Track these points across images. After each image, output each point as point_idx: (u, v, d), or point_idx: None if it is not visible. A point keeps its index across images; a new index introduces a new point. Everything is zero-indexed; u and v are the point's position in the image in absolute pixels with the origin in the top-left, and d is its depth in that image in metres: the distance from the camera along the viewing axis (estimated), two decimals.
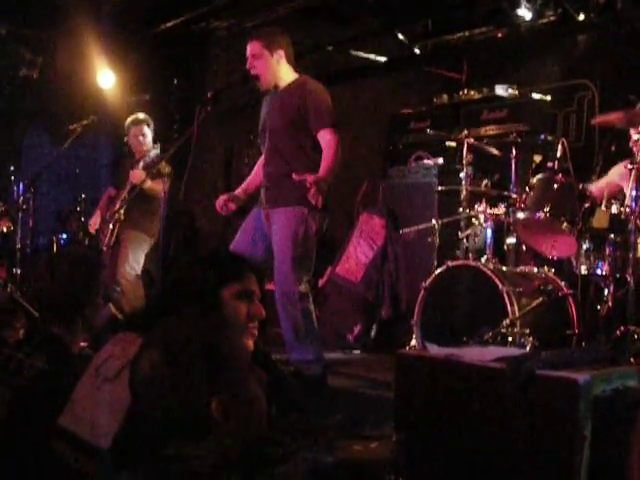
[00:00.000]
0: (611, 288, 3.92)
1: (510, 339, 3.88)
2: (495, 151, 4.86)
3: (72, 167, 8.09)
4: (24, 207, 6.20)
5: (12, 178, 6.68)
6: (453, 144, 5.64)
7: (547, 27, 6.12)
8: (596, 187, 4.36)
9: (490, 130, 5.59)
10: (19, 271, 6.00)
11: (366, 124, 7.23)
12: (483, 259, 4.48)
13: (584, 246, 4.00)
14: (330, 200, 4.25)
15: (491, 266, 4.30)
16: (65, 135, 6.14)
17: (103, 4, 7.66)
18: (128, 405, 1.72)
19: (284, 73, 4.36)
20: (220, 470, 1.56)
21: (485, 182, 4.89)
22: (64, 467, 1.85)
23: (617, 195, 4.10)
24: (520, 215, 4.23)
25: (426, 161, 6.02)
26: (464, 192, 4.77)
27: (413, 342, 4.51)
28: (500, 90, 5.75)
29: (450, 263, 4.40)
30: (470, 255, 4.65)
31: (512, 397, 2.27)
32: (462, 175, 4.83)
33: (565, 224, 4.02)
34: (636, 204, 3.65)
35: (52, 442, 1.90)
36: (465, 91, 6.05)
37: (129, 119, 6.13)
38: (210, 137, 7.91)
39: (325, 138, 4.22)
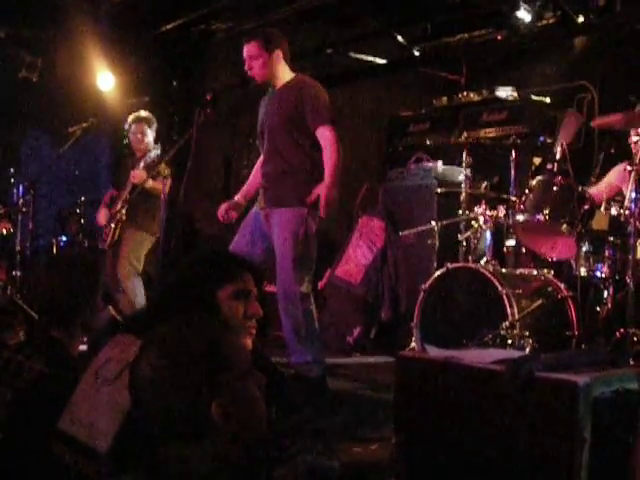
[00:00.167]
0: (610, 290, 3.92)
1: (510, 341, 3.89)
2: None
3: (72, 169, 8.08)
4: (24, 209, 6.21)
5: (12, 180, 6.70)
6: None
7: (546, 29, 6.13)
8: (596, 190, 4.36)
9: (489, 132, 5.60)
10: (19, 273, 6.01)
11: (365, 126, 7.24)
12: (483, 261, 4.49)
13: (583, 248, 4.00)
14: None
15: (491, 268, 4.30)
16: (65, 137, 6.14)
17: (102, 6, 7.66)
18: (128, 407, 1.72)
19: (282, 73, 4.37)
20: (220, 472, 1.56)
21: (484, 184, 4.89)
22: (64, 470, 1.85)
23: (616, 196, 4.10)
24: (520, 217, 4.23)
25: (425, 163, 6.02)
26: (463, 194, 4.78)
27: (413, 344, 4.51)
28: (500, 92, 5.76)
29: (450, 265, 4.40)
30: (470, 257, 4.66)
31: (512, 399, 2.27)
32: (461, 177, 4.83)
33: (565, 226, 4.02)
34: (635, 206, 3.66)
35: (52, 445, 1.89)
36: (464, 93, 6.06)
37: (131, 117, 6.11)
38: (209, 139, 7.91)
39: (324, 136, 4.22)
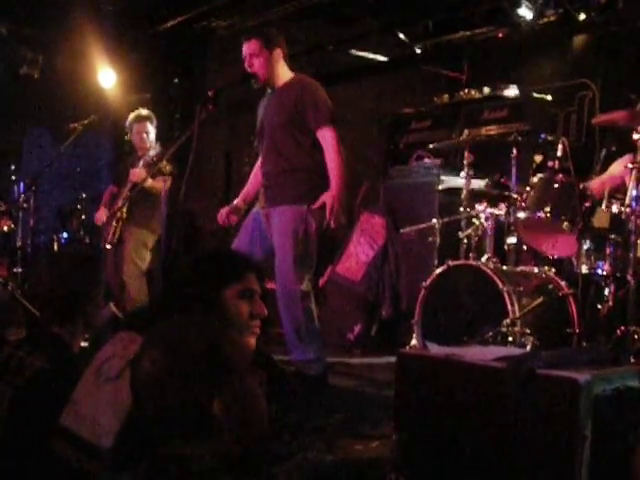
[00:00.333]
0: (612, 288, 3.92)
1: (510, 339, 3.89)
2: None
3: (73, 166, 8.07)
4: (25, 206, 6.20)
5: (13, 177, 6.70)
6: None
7: (548, 27, 6.13)
8: (598, 181, 4.35)
9: (491, 130, 5.58)
10: (20, 270, 6.00)
11: (367, 124, 7.23)
12: (483, 259, 4.49)
13: (585, 246, 4.00)
14: None
15: (492, 266, 4.30)
16: (66, 134, 6.14)
17: (104, 3, 7.66)
18: (129, 405, 1.72)
19: (281, 72, 4.36)
20: (221, 470, 1.56)
21: (486, 182, 4.89)
22: (65, 467, 1.85)
23: (619, 189, 4.09)
24: (521, 215, 4.23)
25: (427, 160, 6.02)
26: (465, 192, 4.77)
27: (413, 341, 4.51)
28: (501, 90, 5.75)
29: (450, 263, 4.40)
30: (470, 255, 4.65)
31: (512, 397, 2.27)
32: (463, 175, 4.83)
33: (566, 224, 4.02)
34: (637, 203, 3.65)
35: (53, 442, 1.90)
36: (466, 91, 6.06)
37: (132, 115, 6.10)
38: (211, 136, 7.91)
39: (325, 137, 4.22)
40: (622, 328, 3.52)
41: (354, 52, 7.49)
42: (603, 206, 3.90)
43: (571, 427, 2.15)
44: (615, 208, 3.85)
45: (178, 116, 8.57)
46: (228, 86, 5.30)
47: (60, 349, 2.47)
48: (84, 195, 7.21)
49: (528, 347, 3.86)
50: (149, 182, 5.55)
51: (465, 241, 4.74)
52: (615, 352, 2.77)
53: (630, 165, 3.75)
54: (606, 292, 3.96)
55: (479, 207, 4.67)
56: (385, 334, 5.83)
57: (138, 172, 5.65)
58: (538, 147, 4.98)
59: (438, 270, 4.45)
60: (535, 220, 4.19)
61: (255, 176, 4.62)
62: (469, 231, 4.72)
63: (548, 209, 4.08)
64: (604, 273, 3.94)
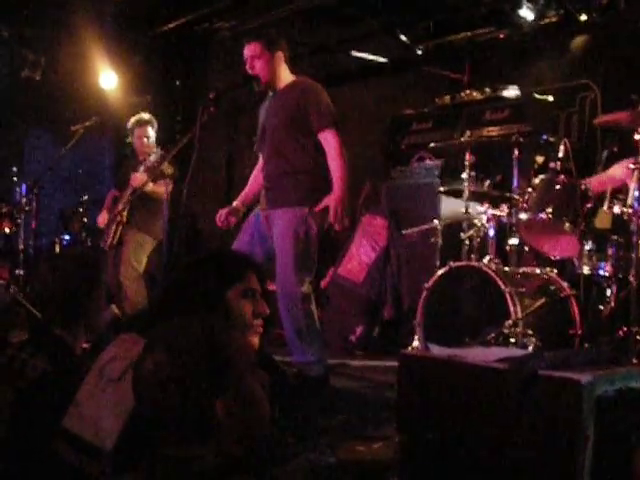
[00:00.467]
0: (614, 289, 3.92)
1: (513, 340, 3.88)
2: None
3: (74, 168, 8.08)
4: (27, 208, 6.21)
5: (15, 179, 6.69)
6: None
7: (549, 27, 6.13)
8: (598, 179, 4.34)
9: (492, 131, 5.59)
10: (22, 272, 6.01)
11: (368, 125, 7.23)
12: (485, 260, 4.48)
13: (586, 247, 4.00)
14: None
15: (493, 267, 4.30)
16: (67, 136, 6.15)
17: (105, 5, 7.67)
18: (132, 406, 1.72)
19: (283, 74, 4.36)
20: (223, 471, 1.56)
21: (487, 183, 4.89)
22: (67, 468, 1.85)
23: (621, 189, 4.08)
24: (522, 216, 4.23)
25: (428, 162, 6.02)
26: (466, 193, 4.77)
27: (415, 343, 4.51)
28: (502, 91, 5.75)
29: (452, 264, 4.40)
30: (472, 256, 4.65)
31: (515, 398, 2.27)
32: (464, 176, 4.83)
33: (567, 224, 4.02)
34: (639, 204, 3.65)
35: (55, 443, 1.90)
36: (467, 92, 6.05)
37: (133, 119, 6.11)
38: (212, 138, 7.91)
39: (328, 140, 4.22)
40: (624, 329, 3.51)
41: (355, 53, 7.49)
42: (605, 207, 3.90)
43: (573, 428, 2.15)
44: (617, 209, 3.85)
45: (179, 118, 8.58)
46: (230, 88, 5.29)
47: (62, 351, 2.47)
48: (86, 197, 7.21)
49: (530, 348, 3.86)
50: (150, 186, 5.56)
51: (467, 242, 4.74)
52: (617, 353, 2.77)
53: (632, 166, 3.74)
54: (608, 293, 3.96)
55: (481, 208, 4.67)
56: (387, 335, 5.82)
57: (139, 177, 5.66)
58: (539, 148, 4.98)
59: (440, 271, 4.44)
60: (537, 221, 4.19)
61: (255, 178, 4.62)
62: (471, 232, 4.72)
63: (550, 210, 4.08)
64: (606, 274, 3.94)
